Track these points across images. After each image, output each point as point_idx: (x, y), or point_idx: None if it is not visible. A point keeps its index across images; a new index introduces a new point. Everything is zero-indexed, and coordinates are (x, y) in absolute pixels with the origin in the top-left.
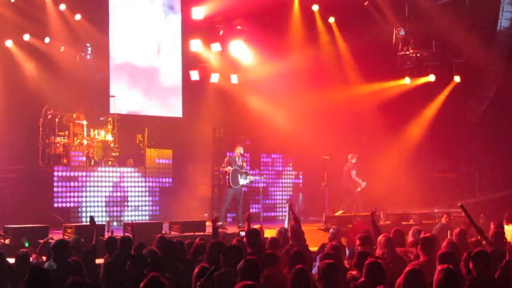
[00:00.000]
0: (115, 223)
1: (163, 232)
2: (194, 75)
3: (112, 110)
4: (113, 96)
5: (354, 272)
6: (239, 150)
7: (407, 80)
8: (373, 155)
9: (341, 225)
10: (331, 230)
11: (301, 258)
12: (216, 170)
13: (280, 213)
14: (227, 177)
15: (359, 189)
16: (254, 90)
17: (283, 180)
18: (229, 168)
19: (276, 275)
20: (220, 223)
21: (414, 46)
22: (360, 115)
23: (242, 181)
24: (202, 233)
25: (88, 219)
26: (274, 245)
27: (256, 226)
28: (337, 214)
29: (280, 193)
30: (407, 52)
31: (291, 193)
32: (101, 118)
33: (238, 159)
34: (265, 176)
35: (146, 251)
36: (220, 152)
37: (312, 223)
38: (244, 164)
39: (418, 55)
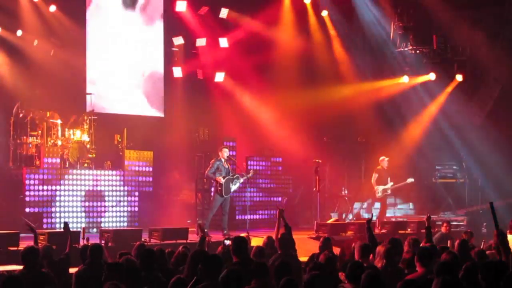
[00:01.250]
0: (94, 230)
1: (143, 240)
2: (177, 72)
3: (88, 109)
4: (89, 94)
5: (346, 285)
6: (225, 153)
7: (405, 79)
8: (368, 158)
9: (333, 234)
10: (322, 239)
11: (287, 269)
12: (200, 174)
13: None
14: (219, 188)
15: (378, 194)
16: (241, 88)
17: (272, 185)
18: (220, 178)
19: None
20: (205, 230)
21: (413, 42)
22: (354, 115)
23: (233, 187)
24: (185, 241)
25: (62, 225)
26: (260, 255)
27: (243, 235)
28: (329, 221)
29: (268, 199)
30: (406, 49)
31: (280, 198)
32: (77, 117)
33: (225, 163)
34: (251, 170)
35: (123, 259)
36: (204, 154)
37: (302, 231)
38: (229, 168)
39: (418, 51)
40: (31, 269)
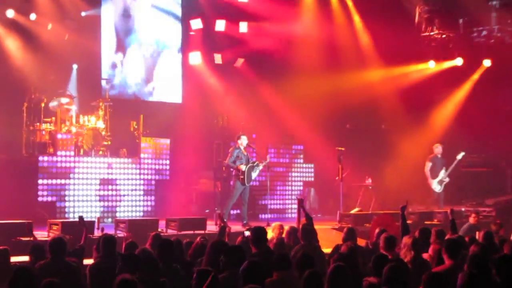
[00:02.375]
0: (109, 220)
1: (159, 230)
2: (195, 57)
3: (104, 95)
4: (105, 79)
5: (371, 279)
6: (244, 140)
7: (431, 64)
8: (392, 146)
9: (357, 224)
10: (345, 230)
11: (310, 261)
12: (218, 162)
13: (290, 210)
14: (241, 176)
15: (438, 190)
16: (261, 73)
17: (293, 174)
18: (242, 166)
19: (288, 280)
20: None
21: (439, 26)
22: (378, 102)
23: (254, 175)
24: (203, 232)
25: (77, 216)
26: (281, 246)
27: (276, 224)
28: (353, 212)
29: (290, 188)
30: (432, 33)
31: (301, 188)
32: (92, 103)
33: (244, 151)
34: (267, 156)
35: (139, 251)
36: (224, 141)
37: (325, 222)
38: (248, 155)
39: (444, 36)
40: (57, 259)
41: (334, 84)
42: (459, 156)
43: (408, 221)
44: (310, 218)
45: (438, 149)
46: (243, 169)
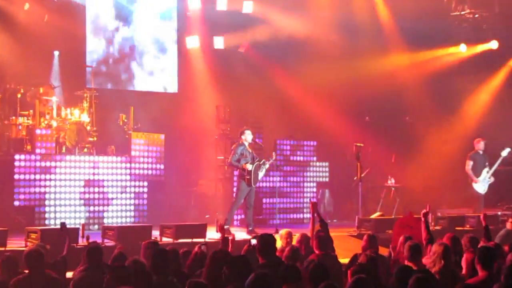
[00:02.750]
0: (95, 226)
1: (153, 238)
2: (193, 41)
3: (89, 84)
4: (90, 67)
5: None
6: (249, 135)
7: (462, 48)
8: (418, 141)
9: (378, 231)
10: (365, 237)
11: (325, 273)
12: (220, 160)
13: (302, 215)
14: (247, 176)
15: (481, 190)
16: (269, 60)
17: (305, 174)
18: (248, 165)
19: None
20: (226, 227)
21: (472, 5)
22: (402, 91)
23: (260, 175)
24: (203, 240)
25: (58, 223)
26: (294, 256)
27: (283, 231)
28: (373, 216)
29: (301, 189)
30: (463, 13)
31: (315, 189)
32: (76, 93)
33: (249, 147)
34: (273, 154)
35: (129, 262)
36: (225, 137)
37: (342, 228)
38: (254, 153)
39: (477, 16)
40: (35, 272)
41: (352, 71)
42: (504, 153)
43: (437, 227)
44: (325, 224)
45: (480, 144)
46: (249, 169)
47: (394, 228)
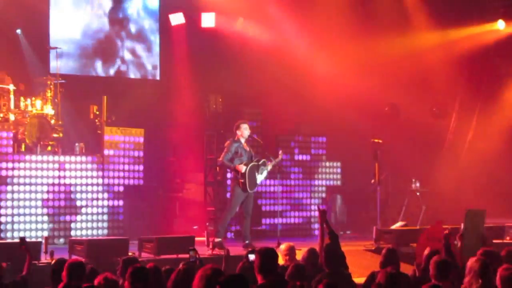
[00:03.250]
0: (61, 240)
1: (130, 253)
2: (178, 18)
3: (54, 70)
4: (55, 48)
5: None
6: (245, 130)
7: (500, 25)
8: (447, 136)
9: (400, 244)
10: (384, 252)
11: None
12: (211, 160)
13: (308, 226)
14: (241, 179)
15: None
16: (269, 40)
17: (313, 176)
18: (242, 166)
19: None
20: (218, 240)
21: None
22: (429, 76)
23: (260, 178)
24: (189, 256)
25: (17, 236)
26: (299, 275)
27: (283, 246)
28: (394, 227)
29: (307, 195)
30: None
31: (324, 195)
32: (37, 80)
33: (245, 145)
34: (280, 152)
35: (102, 279)
36: (217, 132)
37: (357, 241)
38: (252, 151)
39: None
40: None
41: (369, 53)
42: None
43: None
44: (335, 236)
45: None
46: (243, 170)
47: (419, 240)
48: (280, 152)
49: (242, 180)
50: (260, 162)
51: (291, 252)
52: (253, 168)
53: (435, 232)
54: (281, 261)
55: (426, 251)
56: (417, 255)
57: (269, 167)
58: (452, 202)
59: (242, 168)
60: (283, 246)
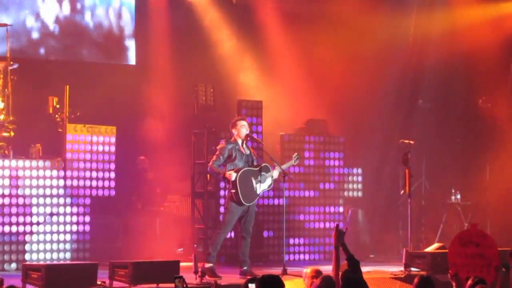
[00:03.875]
0: (12, 265)
1: (99, 282)
2: None
3: (3, 52)
4: (4, 25)
5: None
6: (243, 128)
7: None
8: (500, 136)
9: (437, 271)
10: (416, 281)
11: None
12: (199, 166)
13: (321, 248)
14: (233, 190)
15: None
16: (275, 15)
17: (327, 186)
18: (231, 173)
19: None
20: (209, 266)
21: None
22: (472, 61)
23: (260, 187)
24: (172, 286)
25: None
26: None
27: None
28: (430, 249)
29: (322, 209)
30: None
31: (341, 209)
32: None
33: (244, 146)
34: (295, 155)
35: None
36: (207, 131)
37: (383, 266)
38: (252, 154)
39: None
40: None
41: (397, 33)
42: None
43: None
44: (356, 262)
45: None
46: (233, 178)
47: (450, 247)
48: (295, 156)
49: (234, 191)
50: (259, 168)
51: (318, 276)
52: (248, 175)
53: (470, 236)
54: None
55: (470, 282)
56: (450, 265)
57: (274, 174)
58: (502, 218)
59: (232, 176)
60: (308, 270)
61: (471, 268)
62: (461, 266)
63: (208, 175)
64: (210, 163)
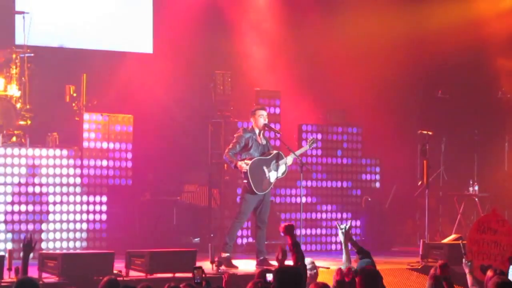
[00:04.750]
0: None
1: (115, 271)
2: None
3: (19, 41)
4: (21, 13)
5: None
6: (261, 117)
7: None
8: None
9: (454, 262)
10: (432, 271)
11: None
12: (217, 156)
13: (336, 239)
14: (245, 180)
15: None
16: (290, 6)
17: (345, 176)
18: (242, 164)
19: None
20: (226, 255)
21: None
22: (491, 52)
23: (274, 175)
24: (190, 275)
25: None
26: None
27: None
28: (447, 240)
29: (336, 199)
30: None
31: (357, 200)
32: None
33: (261, 135)
34: (311, 139)
35: None
36: (224, 120)
37: (399, 257)
38: (269, 144)
39: None
40: None
41: (417, 22)
42: None
43: None
44: (366, 253)
45: None
46: (245, 168)
47: (470, 233)
48: (311, 139)
49: (246, 180)
50: (271, 156)
51: (312, 268)
52: (259, 164)
53: (488, 222)
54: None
55: (489, 273)
56: (468, 251)
57: (289, 161)
58: None
59: (243, 166)
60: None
61: (486, 255)
62: (477, 254)
63: (225, 165)
64: (226, 151)
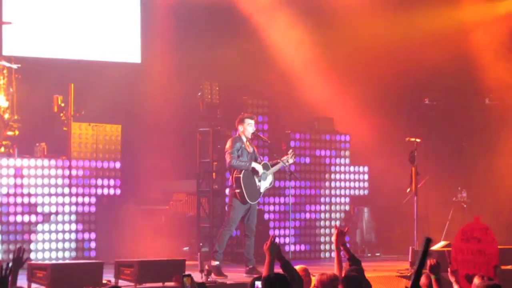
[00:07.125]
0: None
1: (105, 281)
2: None
3: (6, 52)
4: (8, 23)
5: None
6: (250, 126)
7: None
8: (507, 134)
9: (444, 268)
10: (423, 279)
11: None
12: (205, 165)
13: (327, 246)
14: (237, 189)
15: None
16: (277, 12)
17: (333, 184)
18: (237, 173)
19: None
20: (216, 264)
21: None
22: (478, 60)
23: (263, 185)
24: (178, 285)
25: None
26: None
27: (298, 268)
28: (436, 247)
29: (325, 207)
30: None
31: (347, 207)
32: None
33: (248, 143)
34: (290, 151)
35: None
36: (213, 129)
37: (387, 263)
38: (256, 152)
39: None
40: None
41: (404, 30)
42: None
43: None
44: (357, 262)
45: None
46: (238, 174)
47: (454, 242)
48: (290, 151)
49: (238, 190)
50: (261, 164)
51: (306, 275)
52: (252, 173)
53: (472, 230)
54: None
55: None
56: (453, 260)
57: (275, 169)
58: (509, 217)
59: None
60: (296, 267)
61: (471, 265)
62: (462, 263)
63: (213, 174)
64: (229, 161)
